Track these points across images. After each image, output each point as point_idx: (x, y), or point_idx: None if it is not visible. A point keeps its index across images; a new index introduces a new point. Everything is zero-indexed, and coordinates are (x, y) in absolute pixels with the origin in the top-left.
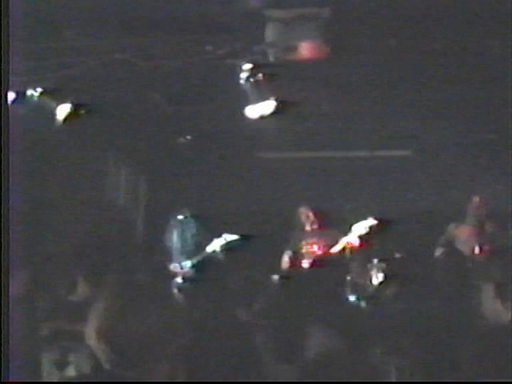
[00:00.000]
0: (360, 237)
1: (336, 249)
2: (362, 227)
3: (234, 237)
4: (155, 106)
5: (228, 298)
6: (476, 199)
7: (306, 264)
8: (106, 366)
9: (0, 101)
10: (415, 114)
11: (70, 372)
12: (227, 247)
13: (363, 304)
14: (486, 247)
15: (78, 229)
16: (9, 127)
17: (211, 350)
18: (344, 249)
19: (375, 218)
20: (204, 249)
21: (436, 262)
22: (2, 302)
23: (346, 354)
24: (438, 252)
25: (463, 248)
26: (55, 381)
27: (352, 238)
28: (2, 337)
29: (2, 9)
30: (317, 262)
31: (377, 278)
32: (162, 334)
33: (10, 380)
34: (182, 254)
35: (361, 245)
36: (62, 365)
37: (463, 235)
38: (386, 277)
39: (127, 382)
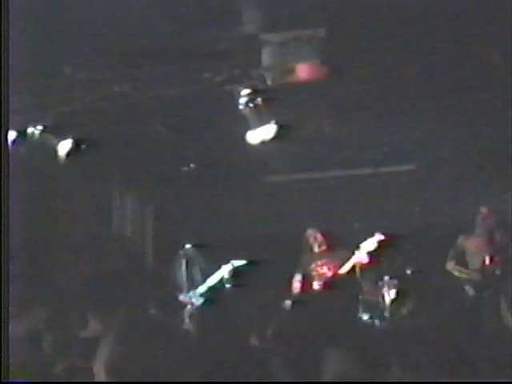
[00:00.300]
0: (369, 253)
1: (346, 268)
2: (370, 244)
3: (242, 262)
4: (157, 137)
5: (239, 325)
6: (484, 210)
7: (317, 286)
8: None
9: (0, 140)
10: (417, 128)
11: None
12: (235, 273)
13: (377, 322)
14: (496, 258)
15: (86, 263)
16: (9, 166)
17: (226, 379)
18: (354, 268)
19: (383, 234)
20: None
21: (447, 276)
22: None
23: (363, 374)
24: (450, 266)
25: (473, 260)
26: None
27: (361, 256)
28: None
29: (3, 46)
30: (328, 284)
31: (389, 295)
32: (173, 368)
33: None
34: (192, 283)
35: (370, 262)
36: None
37: (473, 247)
38: (398, 293)
39: (127, 382)
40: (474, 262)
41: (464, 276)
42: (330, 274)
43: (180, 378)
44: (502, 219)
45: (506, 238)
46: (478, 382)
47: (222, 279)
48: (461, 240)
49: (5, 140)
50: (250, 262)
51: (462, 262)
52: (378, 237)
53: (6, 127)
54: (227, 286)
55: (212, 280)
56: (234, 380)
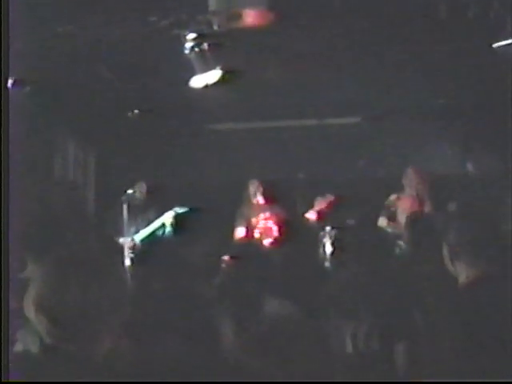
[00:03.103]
0: (317, 211)
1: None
2: (320, 204)
3: (184, 209)
4: (101, 81)
5: (178, 271)
6: (412, 169)
7: (266, 243)
8: (47, 340)
9: None
10: (365, 80)
11: (18, 348)
12: (178, 220)
13: (316, 272)
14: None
15: (26, 206)
16: None
17: (157, 324)
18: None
19: (331, 193)
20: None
21: (380, 231)
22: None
23: (301, 322)
24: (381, 221)
25: (402, 217)
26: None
27: (310, 215)
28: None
29: None
30: (276, 242)
31: (330, 245)
32: (106, 308)
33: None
34: (132, 228)
35: (317, 218)
36: (12, 342)
37: (404, 204)
38: (337, 244)
39: (128, 382)
40: (403, 219)
41: (396, 231)
42: (276, 232)
43: (111, 318)
44: (442, 175)
45: (445, 194)
46: (479, 382)
47: (163, 225)
48: (392, 197)
49: None
50: (192, 210)
51: (393, 218)
52: (329, 198)
53: None
54: (168, 232)
55: (153, 226)
56: (163, 322)
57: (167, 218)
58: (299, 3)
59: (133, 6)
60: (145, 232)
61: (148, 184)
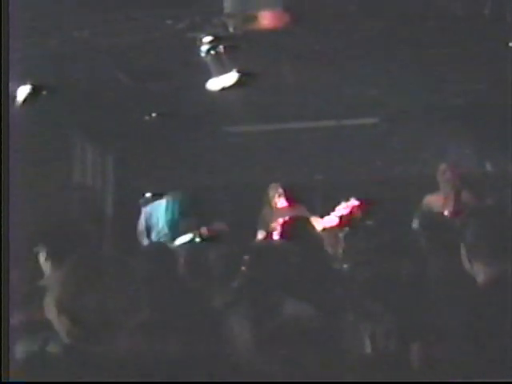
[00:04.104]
0: (339, 216)
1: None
2: (343, 209)
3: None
4: (118, 85)
5: (198, 273)
6: (443, 166)
7: (276, 236)
8: (66, 340)
9: None
10: (382, 81)
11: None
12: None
13: (335, 270)
14: (458, 211)
15: (45, 212)
16: None
17: (175, 325)
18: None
19: (351, 194)
20: (174, 226)
21: (406, 229)
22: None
23: (319, 323)
24: (415, 223)
25: (436, 214)
26: (50, 381)
27: (331, 220)
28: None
29: None
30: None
31: (348, 246)
32: (124, 309)
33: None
34: (152, 231)
35: (339, 224)
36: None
37: (437, 204)
38: (357, 244)
39: (129, 382)
40: (437, 217)
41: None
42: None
43: (129, 320)
44: (463, 174)
45: (467, 193)
46: (480, 382)
47: (193, 239)
48: (427, 199)
49: None
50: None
51: (427, 219)
52: (352, 202)
53: None
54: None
55: (185, 238)
56: (182, 324)
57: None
58: (314, 5)
59: (148, 10)
60: (182, 239)
61: (167, 187)
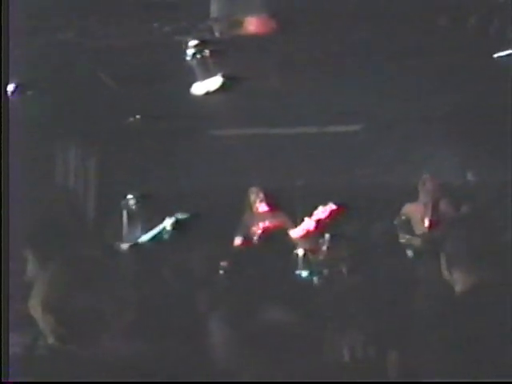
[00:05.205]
0: (317, 220)
1: (295, 235)
2: (321, 212)
3: (185, 215)
4: (102, 87)
5: (178, 276)
6: (426, 176)
7: (256, 239)
8: (50, 340)
9: None
10: (366, 89)
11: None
12: (178, 226)
13: (315, 278)
14: (436, 222)
15: (27, 211)
16: None
17: (157, 327)
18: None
19: (331, 200)
20: (155, 227)
21: (388, 238)
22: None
23: (297, 327)
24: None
25: (415, 224)
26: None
27: (309, 224)
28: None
29: None
30: (266, 234)
31: (328, 252)
32: (108, 311)
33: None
34: (133, 234)
35: (316, 228)
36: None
37: (417, 213)
38: (337, 251)
39: (129, 382)
40: (418, 228)
41: (408, 242)
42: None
43: (114, 319)
44: (444, 184)
45: (446, 203)
46: (479, 382)
47: (163, 231)
48: (405, 207)
49: None
50: (192, 216)
51: (407, 228)
52: (330, 206)
53: None
54: (168, 236)
55: (154, 231)
56: (165, 325)
57: (168, 223)
58: (300, 11)
59: (134, 13)
60: (147, 236)
61: (148, 190)
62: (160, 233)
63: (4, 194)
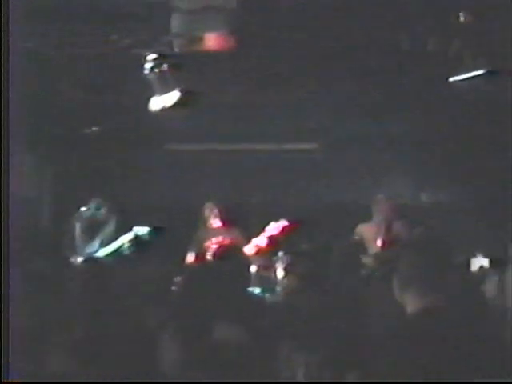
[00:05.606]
0: (269, 237)
1: (248, 251)
2: (273, 229)
3: (145, 230)
4: (60, 96)
5: (129, 295)
6: (381, 196)
7: (209, 255)
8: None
9: None
10: (323, 108)
11: None
12: (137, 241)
13: (268, 297)
14: (389, 241)
15: None
16: None
17: (107, 344)
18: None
19: (286, 217)
20: (110, 240)
21: (340, 257)
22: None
23: (251, 347)
24: (345, 247)
25: (368, 244)
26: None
27: (261, 240)
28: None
29: None
30: (220, 251)
31: (281, 270)
32: (57, 325)
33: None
34: (86, 245)
35: (268, 245)
36: None
37: (370, 233)
38: (291, 270)
39: (128, 382)
40: (372, 248)
41: (361, 262)
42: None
43: (62, 336)
44: (398, 205)
45: (400, 224)
46: (478, 383)
47: (122, 246)
48: (359, 227)
49: None
50: (152, 231)
51: (361, 248)
52: (282, 223)
53: None
54: (127, 252)
55: (112, 246)
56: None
57: (127, 238)
58: (260, 29)
59: (95, 24)
60: (105, 251)
61: (103, 203)
62: (119, 248)
63: None
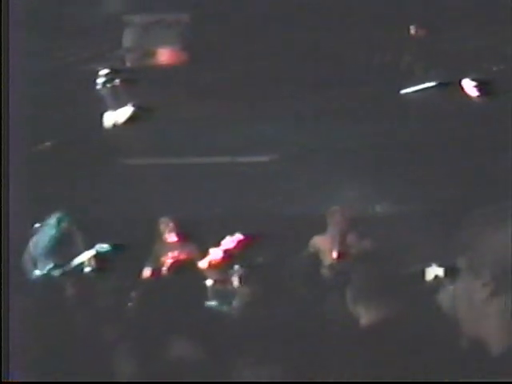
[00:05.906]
0: (224, 250)
1: (203, 265)
2: (228, 242)
3: (106, 247)
4: (11, 110)
5: (84, 308)
6: (336, 208)
7: (165, 269)
8: None
9: None
10: (277, 120)
11: None
12: (99, 258)
13: (225, 309)
14: (344, 253)
15: None
16: None
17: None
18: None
19: (241, 231)
20: (69, 256)
21: (296, 268)
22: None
23: (208, 361)
24: (300, 261)
25: (323, 256)
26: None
27: (216, 253)
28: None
29: None
30: (175, 266)
31: (237, 283)
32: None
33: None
34: (42, 261)
35: (224, 259)
36: None
37: (325, 245)
38: (246, 282)
39: (128, 382)
40: (327, 260)
41: (315, 274)
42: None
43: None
44: (352, 217)
45: (354, 236)
46: (478, 383)
47: (83, 264)
48: (314, 239)
49: None
50: (112, 248)
51: (316, 260)
52: (237, 236)
53: None
54: (88, 269)
55: (74, 263)
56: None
57: (88, 255)
58: (211, 44)
59: (46, 39)
60: (64, 267)
61: (58, 218)
62: (79, 266)
63: None
